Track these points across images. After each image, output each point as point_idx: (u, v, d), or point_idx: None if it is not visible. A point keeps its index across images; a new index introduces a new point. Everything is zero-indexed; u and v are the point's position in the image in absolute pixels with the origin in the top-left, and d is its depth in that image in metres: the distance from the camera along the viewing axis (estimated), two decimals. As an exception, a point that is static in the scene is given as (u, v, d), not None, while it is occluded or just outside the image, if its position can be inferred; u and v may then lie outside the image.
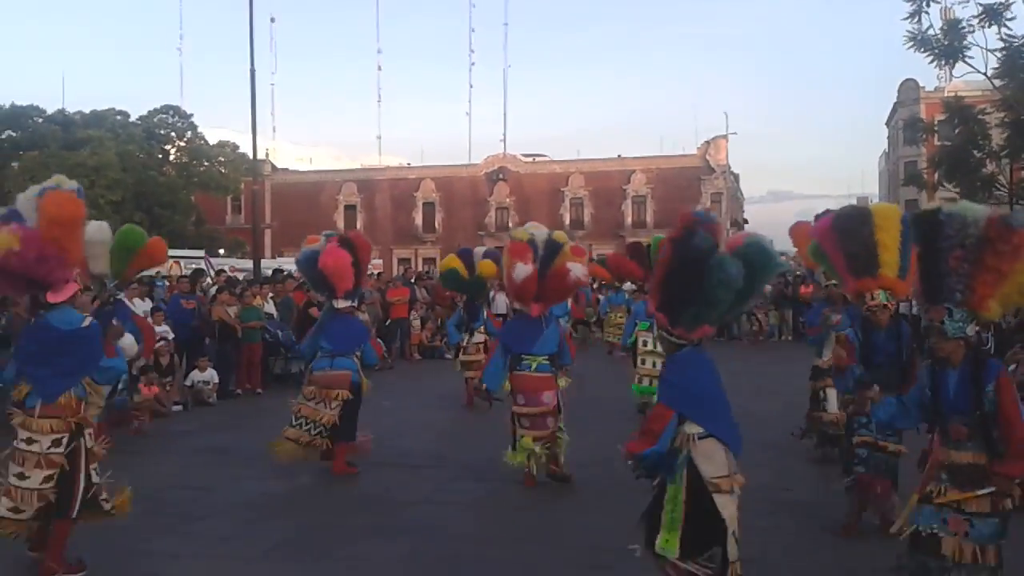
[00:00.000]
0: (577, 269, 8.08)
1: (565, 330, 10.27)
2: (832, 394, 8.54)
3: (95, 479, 5.79)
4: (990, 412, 4.57)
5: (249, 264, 24.07)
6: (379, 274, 30.21)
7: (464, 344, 12.84)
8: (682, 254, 4.70)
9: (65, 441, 5.66)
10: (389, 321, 19.09)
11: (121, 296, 9.02)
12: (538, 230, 8.28)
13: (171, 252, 29.57)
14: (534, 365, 8.11)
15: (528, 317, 8.16)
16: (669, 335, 4.87)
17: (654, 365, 11.01)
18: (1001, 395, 4.56)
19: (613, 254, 18.64)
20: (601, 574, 5.92)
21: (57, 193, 5.70)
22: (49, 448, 5.63)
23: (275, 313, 15.63)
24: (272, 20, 56.30)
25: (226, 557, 6.29)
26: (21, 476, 5.62)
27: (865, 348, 6.50)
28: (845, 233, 5.96)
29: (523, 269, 7.84)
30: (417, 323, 19.84)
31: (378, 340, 12.70)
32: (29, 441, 5.65)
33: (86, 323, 5.88)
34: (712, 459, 4.76)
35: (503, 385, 8.43)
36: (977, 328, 4.78)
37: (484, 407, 11.53)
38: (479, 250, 13.06)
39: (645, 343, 11.52)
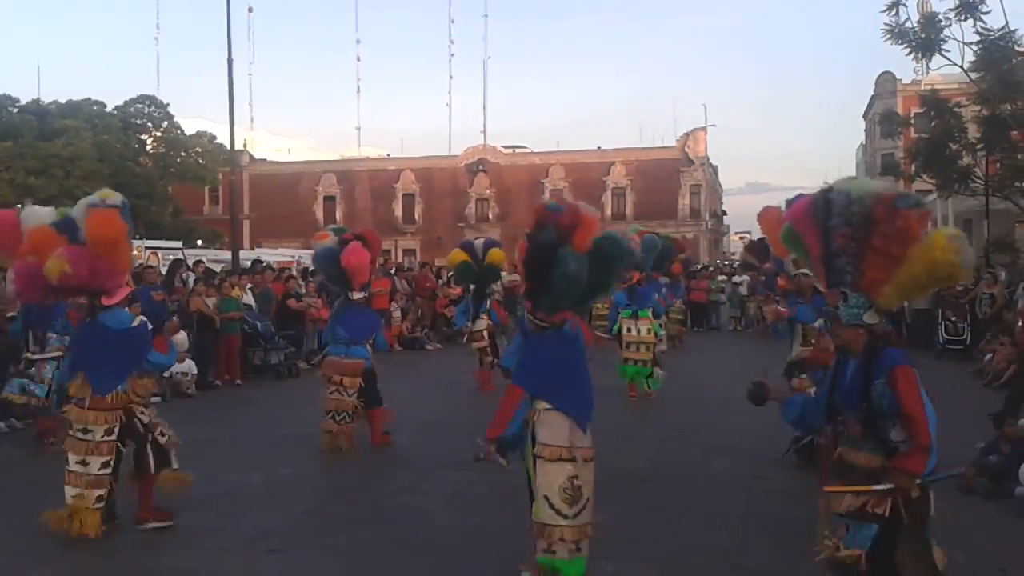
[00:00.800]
0: None
1: None
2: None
3: (162, 440, 6.57)
4: (878, 408, 4.19)
5: (228, 255, 23.92)
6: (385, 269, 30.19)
7: (470, 330, 13.48)
8: (532, 247, 5.19)
9: (116, 429, 6.44)
10: (369, 312, 19.03)
11: None
12: None
13: (148, 244, 29.43)
14: None
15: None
16: (533, 319, 5.29)
17: (638, 349, 12.06)
18: (897, 388, 4.12)
19: None
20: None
21: (98, 213, 6.24)
22: (103, 437, 6.39)
23: (254, 304, 15.57)
24: (250, 10, 56.25)
25: (207, 548, 6.27)
26: (83, 463, 6.36)
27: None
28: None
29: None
30: (398, 314, 19.79)
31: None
32: (84, 431, 6.40)
33: (135, 323, 6.64)
34: (550, 428, 5.12)
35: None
36: (878, 316, 4.34)
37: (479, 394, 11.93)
38: (478, 242, 13.52)
39: (629, 329, 12.22)
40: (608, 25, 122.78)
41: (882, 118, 25.48)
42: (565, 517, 5.03)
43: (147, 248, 27.24)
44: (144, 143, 50.17)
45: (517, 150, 60.53)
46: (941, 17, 19.15)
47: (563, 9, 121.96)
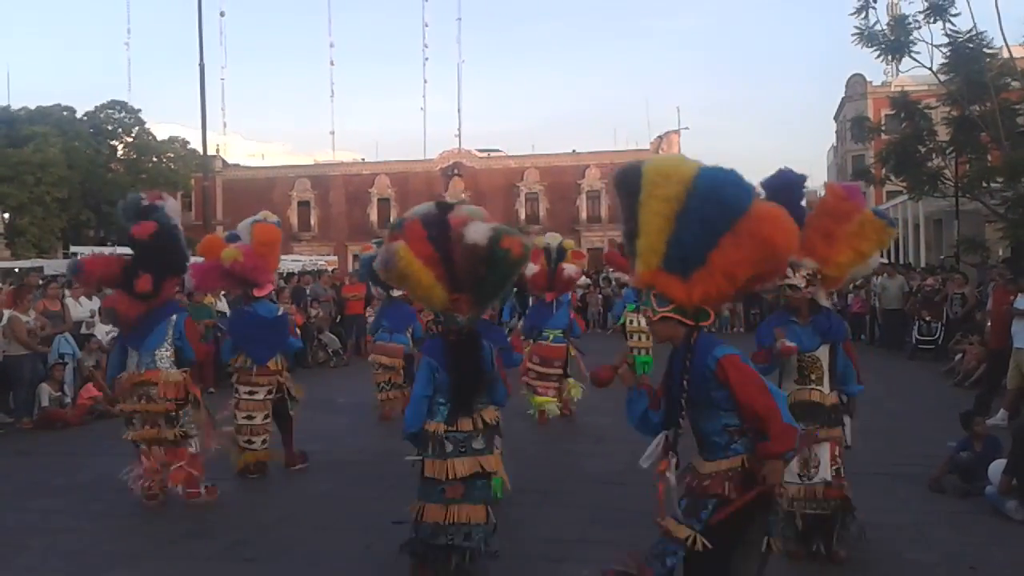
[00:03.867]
0: (570, 268, 10.95)
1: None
2: None
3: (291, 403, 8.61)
4: (707, 402, 3.92)
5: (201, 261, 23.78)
6: (334, 270, 30.04)
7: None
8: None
9: (274, 390, 8.40)
10: (341, 317, 18.93)
11: None
12: (553, 238, 11.11)
13: (120, 251, 29.19)
14: (551, 337, 10.91)
15: (544, 302, 10.96)
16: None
17: (639, 339, 13.20)
18: (727, 378, 3.82)
19: (609, 251, 19.80)
20: (551, 567, 5.95)
21: (263, 225, 8.42)
22: (265, 396, 8.36)
23: (228, 311, 15.45)
24: (222, 14, 55.40)
25: (180, 558, 6.22)
26: (249, 417, 8.29)
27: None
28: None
29: (532, 268, 10.03)
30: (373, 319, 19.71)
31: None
32: (251, 393, 8.34)
33: (280, 312, 8.80)
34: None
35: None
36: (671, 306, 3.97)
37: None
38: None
39: (631, 321, 13.41)
40: (581, 28, 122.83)
41: (853, 123, 25.60)
42: None
43: (119, 255, 27.10)
44: (115, 149, 49.82)
45: (492, 153, 60.48)
46: (911, 19, 19.33)
47: (536, 13, 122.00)
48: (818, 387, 5.81)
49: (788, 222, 3.91)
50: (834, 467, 5.73)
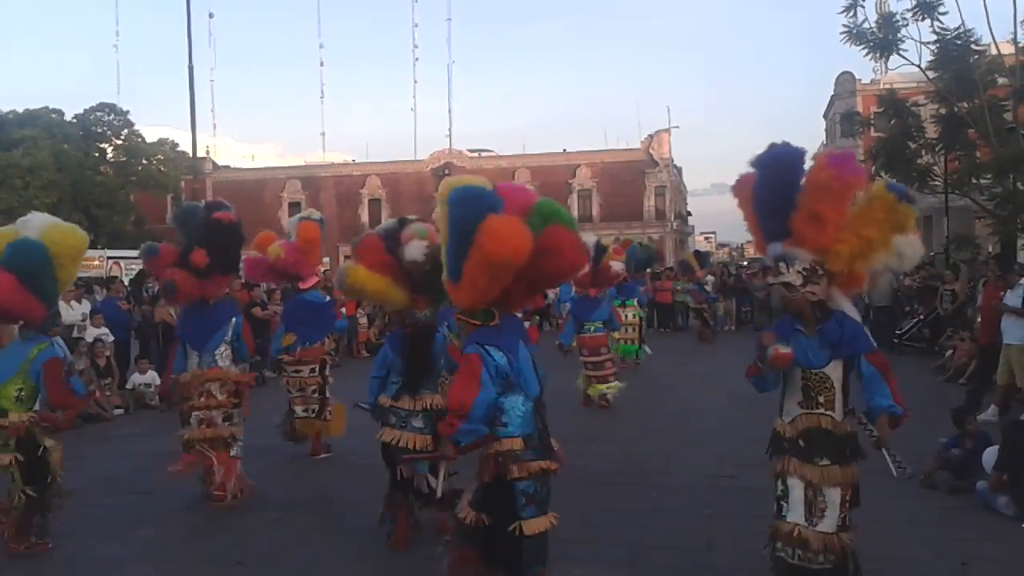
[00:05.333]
0: (616, 265, 12.30)
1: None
2: None
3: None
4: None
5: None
6: (325, 272, 29.92)
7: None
8: None
9: (318, 368, 9.34)
10: (335, 319, 18.89)
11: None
12: (589, 237, 11.21)
13: (111, 253, 29.06)
14: (592, 328, 11.84)
15: (589, 297, 11.93)
16: None
17: (626, 330, 14.91)
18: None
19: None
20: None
21: (307, 222, 9.45)
22: (310, 373, 9.30)
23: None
24: (211, 16, 55.60)
25: (172, 562, 6.21)
26: (301, 390, 9.28)
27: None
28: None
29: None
30: (364, 320, 19.73)
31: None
32: (297, 371, 9.32)
33: (327, 299, 10.09)
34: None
35: (573, 342, 12.05)
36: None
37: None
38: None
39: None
40: (571, 28, 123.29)
41: (843, 118, 25.77)
42: None
43: (109, 258, 26.95)
44: (104, 152, 49.50)
45: (483, 154, 60.51)
46: (899, 17, 19.41)
47: (526, 13, 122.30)
48: (828, 412, 4.72)
49: (510, 234, 4.40)
50: (841, 515, 4.68)
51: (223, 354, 7.75)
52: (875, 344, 4.97)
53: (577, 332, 11.90)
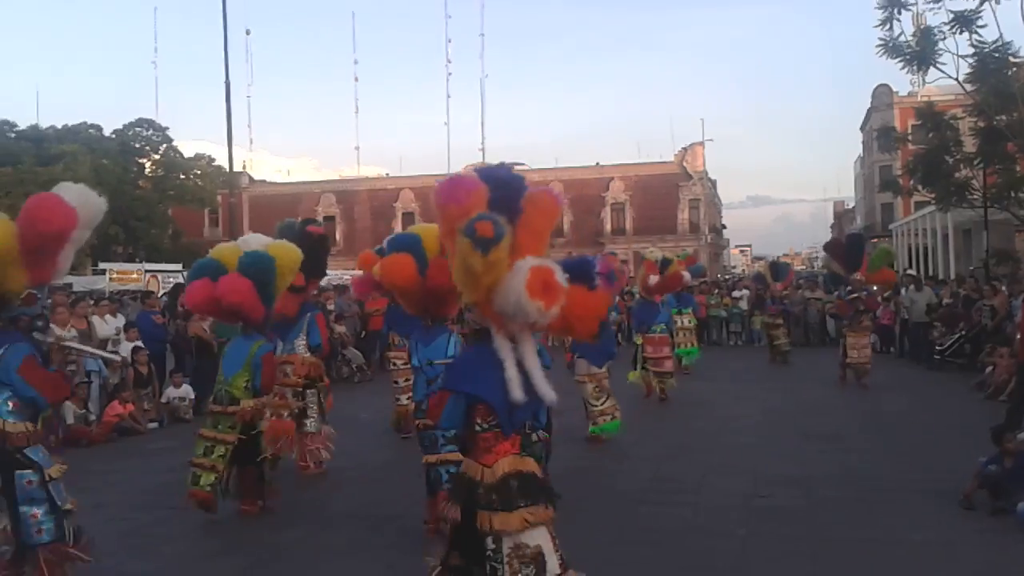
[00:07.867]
0: (687, 275, 14.65)
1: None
2: None
3: None
4: None
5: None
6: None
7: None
8: None
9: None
10: (365, 333, 18.89)
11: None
12: (653, 253, 14.05)
13: (149, 267, 29.36)
14: (658, 330, 13.60)
15: (652, 303, 13.68)
16: None
17: (683, 336, 16.40)
18: None
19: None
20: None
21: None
22: (407, 362, 8.97)
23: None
24: (248, 32, 56.38)
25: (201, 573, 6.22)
26: (407, 380, 9.72)
27: None
28: None
29: (654, 278, 13.52)
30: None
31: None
32: (405, 363, 9.58)
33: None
34: None
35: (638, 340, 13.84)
36: None
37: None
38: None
39: (676, 322, 15.80)
40: (603, 43, 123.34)
41: (879, 133, 25.48)
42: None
43: (147, 272, 27.22)
44: (143, 166, 50.25)
45: (516, 167, 60.47)
46: (936, 31, 19.18)
47: (558, 28, 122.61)
48: None
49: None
50: None
51: (299, 344, 9.12)
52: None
53: (644, 333, 13.66)
